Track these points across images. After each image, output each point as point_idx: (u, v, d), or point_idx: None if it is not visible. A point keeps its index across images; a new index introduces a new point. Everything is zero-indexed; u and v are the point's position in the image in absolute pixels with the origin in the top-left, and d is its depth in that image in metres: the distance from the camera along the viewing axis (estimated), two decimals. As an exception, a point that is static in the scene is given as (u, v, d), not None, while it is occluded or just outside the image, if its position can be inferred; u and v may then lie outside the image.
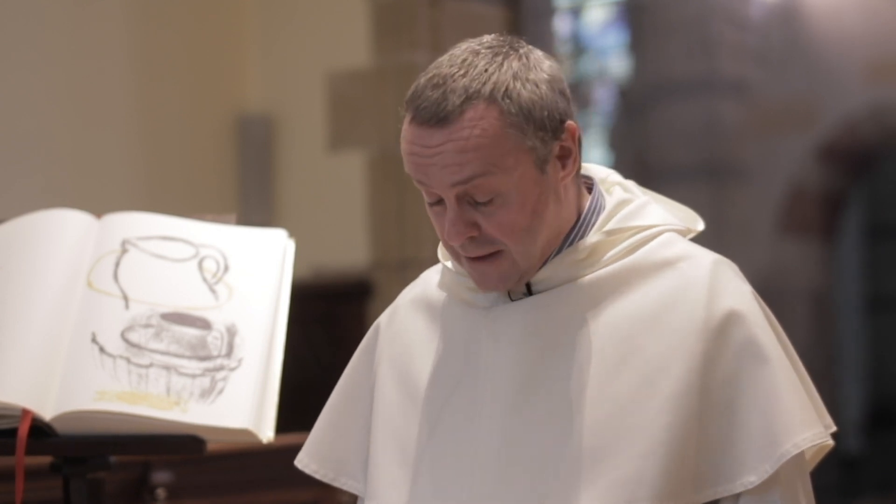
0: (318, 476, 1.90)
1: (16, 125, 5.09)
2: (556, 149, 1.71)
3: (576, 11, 10.95)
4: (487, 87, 1.67)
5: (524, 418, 1.70)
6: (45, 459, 2.22)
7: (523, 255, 1.71)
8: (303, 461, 1.91)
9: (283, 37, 5.77)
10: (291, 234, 2.42)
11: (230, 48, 5.76)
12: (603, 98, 10.72)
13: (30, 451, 2.11)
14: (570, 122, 1.72)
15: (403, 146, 1.71)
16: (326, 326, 5.36)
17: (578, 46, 10.76)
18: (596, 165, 1.87)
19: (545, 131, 1.69)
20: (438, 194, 1.70)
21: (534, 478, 1.68)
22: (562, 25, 10.86)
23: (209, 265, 2.31)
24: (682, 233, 1.81)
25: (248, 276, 2.31)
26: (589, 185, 1.82)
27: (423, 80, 1.70)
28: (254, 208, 5.65)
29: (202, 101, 5.66)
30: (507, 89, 1.67)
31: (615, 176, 1.85)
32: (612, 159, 10.29)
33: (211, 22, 5.69)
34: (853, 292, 10.46)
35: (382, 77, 5.42)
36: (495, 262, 1.71)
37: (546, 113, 1.69)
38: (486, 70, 1.68)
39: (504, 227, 1.69)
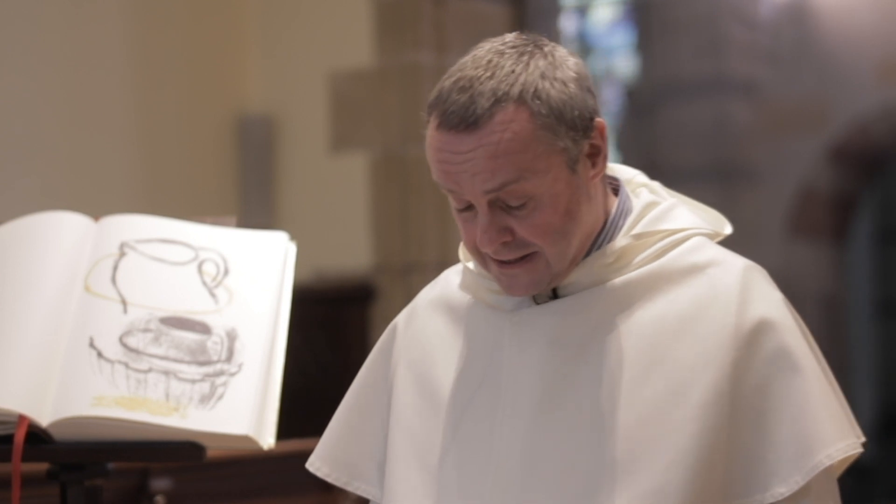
0: (330, 480, 1.87)
1: (13, 126, 5.09)
2: (586, 147, 1.68)
3: (582, 10, 10.95)
4: (516, 89, 1.63)
5: (547, 425, 1.67)
6: (42, 466, 2.21)
7: (557, 256, 1.67)
8: (314, 464, 1.88)
9: (284, 36, 5.77)
10: (293, 236, 2.40)
11: (230, 48, 5.75)
12: (610, 98, 10.71)
13: (26, 457, 2.09)
14: (598, 120, 1.70)
15: (430, 153, 1.67)
16: (328, 331, 5.37)
17: (585, 46, 10.74)
18: (621, 166, 1.84)
19: (576, 131, 1.66)
20: (469, 201, 1.66)
21: (556, 487, 1.65)
22: (568, 24, 10.85)
23: (209, 268, 2.30)
24: (711, 236, 1.78)
25: (249, 279, 2.30)
26: (615, 186, 1.79)
27: (447, 83, 1.66)
28: (254, 210, 5.64)
29: (202, 102, 5.66)
30: (536, 90, 1.64)
31: (641, 177, 1.82)
32: (620, 160, 10.24)
33: (211, 22, 5.69)
34: (864, 296, 10.42)
35: (385, 77, 5.39)
36: (528, 264, 1.67)
37: (577, 112, 1.66)
38: (513, 71, 1.64)
39: (538, 230, 1.65)
